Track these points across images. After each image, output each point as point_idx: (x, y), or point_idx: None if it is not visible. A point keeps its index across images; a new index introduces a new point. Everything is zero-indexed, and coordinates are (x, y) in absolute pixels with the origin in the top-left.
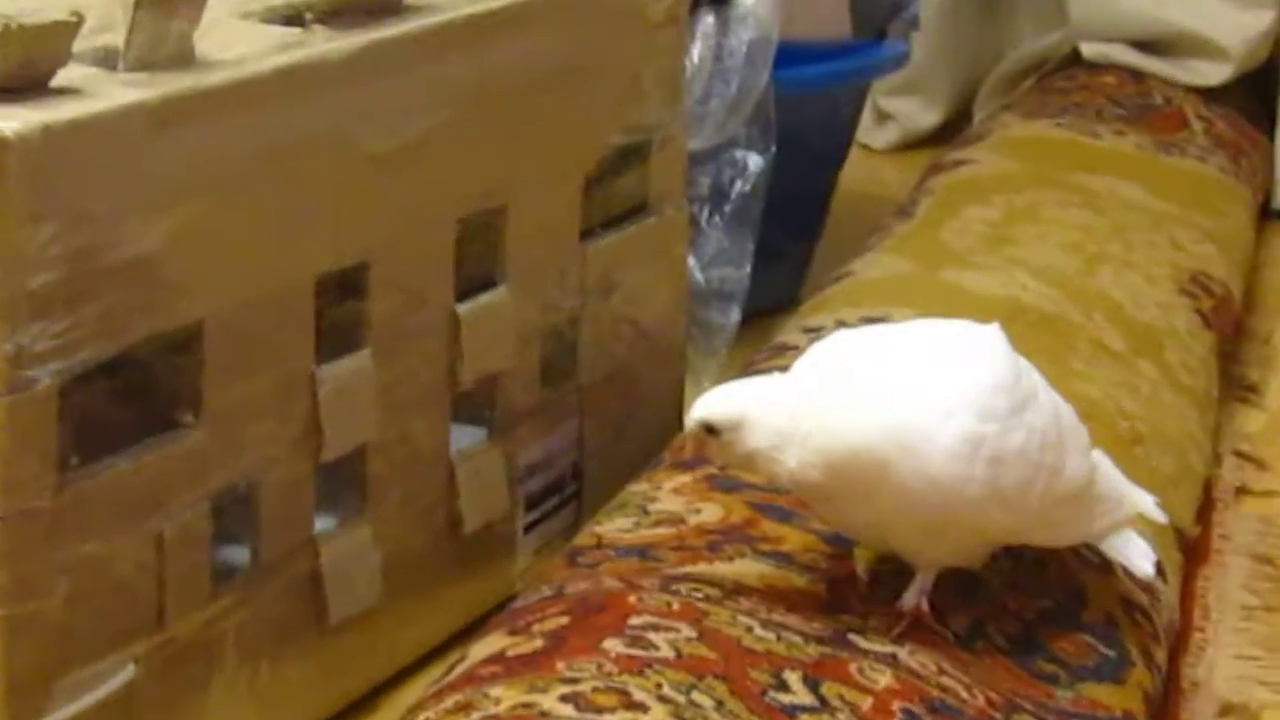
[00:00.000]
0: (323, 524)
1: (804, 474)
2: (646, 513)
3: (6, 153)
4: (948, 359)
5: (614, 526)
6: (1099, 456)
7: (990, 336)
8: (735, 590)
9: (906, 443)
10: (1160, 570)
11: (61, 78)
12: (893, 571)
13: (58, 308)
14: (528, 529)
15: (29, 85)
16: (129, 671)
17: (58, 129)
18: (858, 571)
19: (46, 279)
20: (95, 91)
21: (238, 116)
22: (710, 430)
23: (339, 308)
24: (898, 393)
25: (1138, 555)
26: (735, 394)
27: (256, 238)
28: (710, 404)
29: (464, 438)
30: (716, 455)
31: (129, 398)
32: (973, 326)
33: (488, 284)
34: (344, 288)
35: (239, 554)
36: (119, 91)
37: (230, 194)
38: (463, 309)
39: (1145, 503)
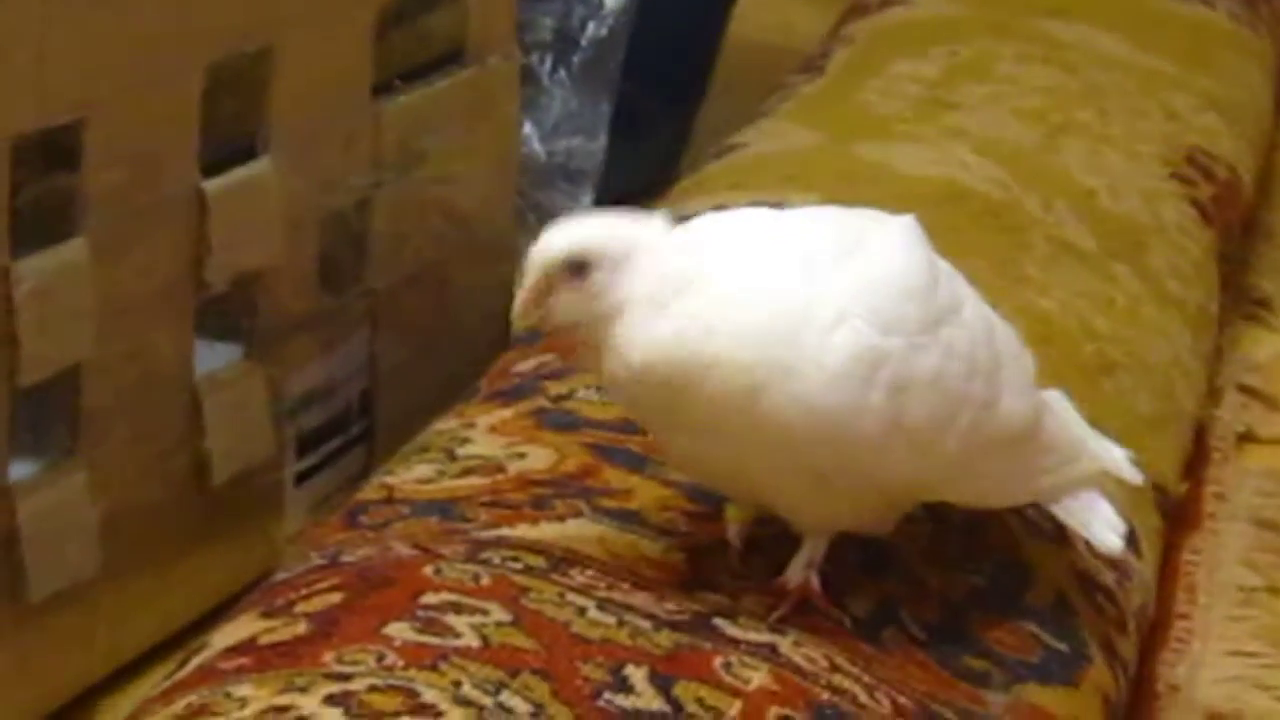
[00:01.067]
0: (20, 470)
1: (650, 364)
2: (454, 457)
3: None
4: (842, 252)
5: (410, 476)
6: (1053, 396)
7: (902, 228)
8: (565, 560)
9: (780, 355)
10: (1133, 542)
11: None
12: (775, 538)
13: None
14: (300, 479)
15: None
16: None
17: None
18: (729, 536)
19: None
20: None
21: None
22: (576, 268)
23: (41, 182)
24: (775, 290)
25: (1101, 523)
26: (614, 225)
27: None
28: (581, 233)
29: (213, 357)
30: (568, 309)
31: None
32: (880, 215)
33: (246, 153)
34: (49, 155)
35: None
36: None
37: None
38: (211, 185)
39: (1113, 456)
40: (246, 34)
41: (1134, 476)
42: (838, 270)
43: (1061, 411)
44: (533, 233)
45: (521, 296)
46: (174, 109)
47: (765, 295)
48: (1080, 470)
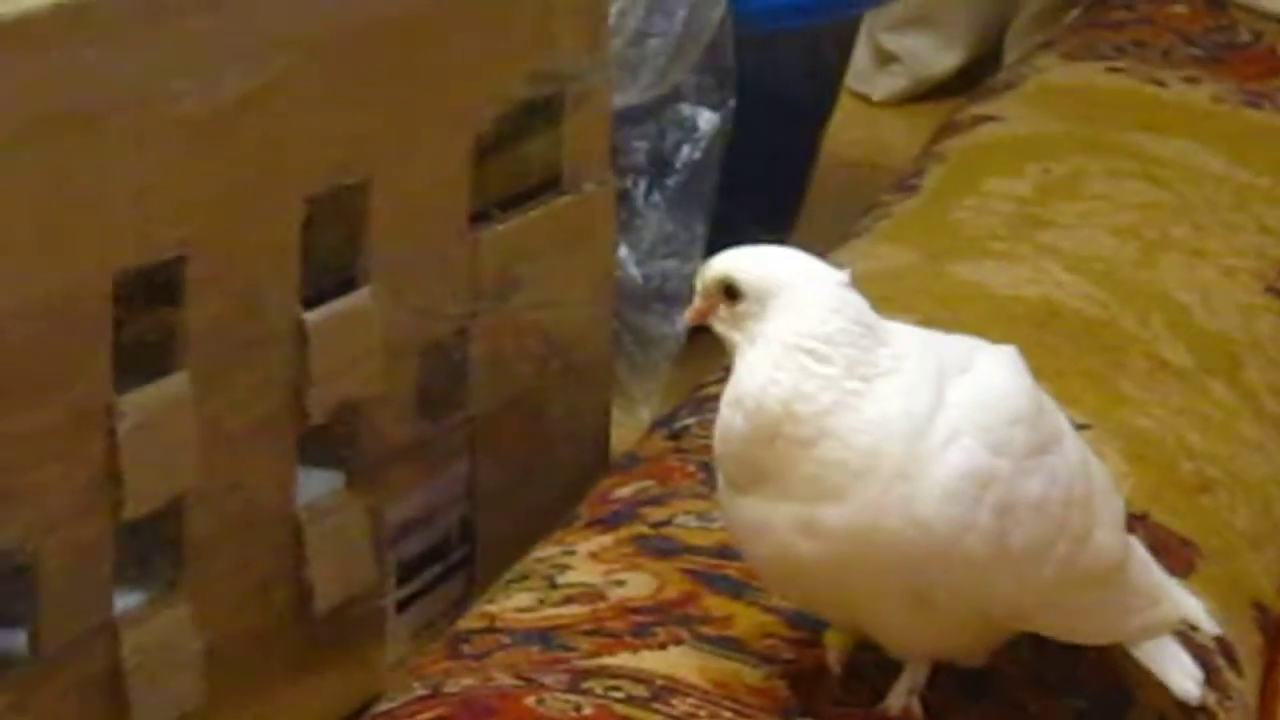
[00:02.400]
0: (126, 602)
1: (760, 405)
2: (554, 585)
3: None
4: (954, 373)
5: (511, 604)
6: (1134, 543)
7: (1008, 356)
8: (667, 688)
9: (891, 456)
10: (1232, 661)
11: None
12: (876, 664)
13: None
14: (401, 606)
15: None
16: None
17: None
18: (829, 663)
19: None
20: None
21: (6, 67)
22: (729, 291)
23: (145, 317)
24: (902, 391)
25: (1179, 670)
26: (778, 257)
27: (30, 227)
28: (740, 260)
29: (315, 486)
30: (720, 326)
31: None
32: (982, 343)
33: (345, 284)
34: (152, 290)
35: (14, 642)
36: None
37: None
38: (311, 317)
39: (1191, 606)
40: (344, 166)
41: (1211, 628)
42: (950, 389)
43: (1143, 557)
44: (629, 357)
45: (694, 304)
46: (274, 242)
47: (893, 391)
48: (1162, 614)
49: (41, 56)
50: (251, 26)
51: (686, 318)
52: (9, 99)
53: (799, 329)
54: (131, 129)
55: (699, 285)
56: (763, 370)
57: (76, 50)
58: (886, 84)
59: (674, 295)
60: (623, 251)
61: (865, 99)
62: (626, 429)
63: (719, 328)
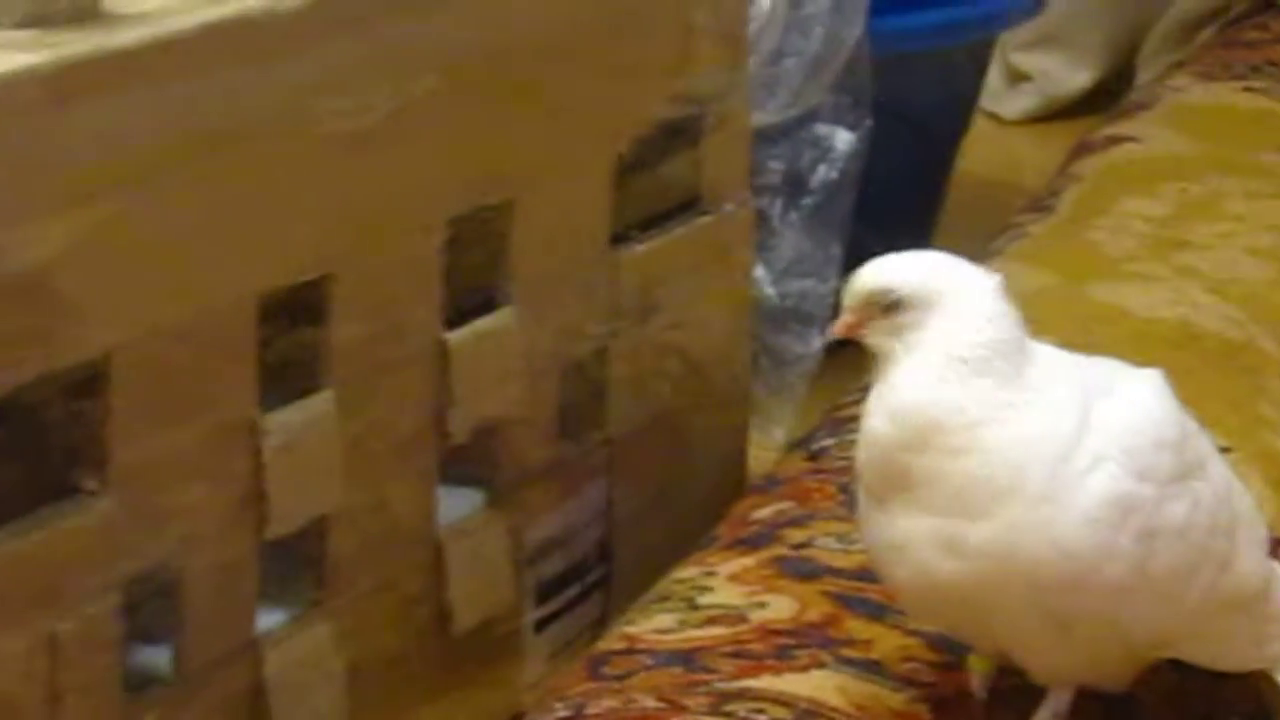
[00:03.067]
0: (268, 621)
1: (907, 412)
2: (695, 607)
3: None
4: (1098, 397)
5: (651, 625)
6: (1277, 569)
7: (1153, 379)
8: (810, 711)
9: (1034, 479)
10: None
11: None
12: (1018, 689)
13: None
14: (540, 626)
15: None
16: None
17: None
18: (972, 687)
19: None
20: None
21: (156, 88)
22: (887, 303)
23: (290, 337)
24: (1050, 413)
25: None
26: (936, 264)
27: (180, 246)
28: (900, 269)
29: (456, 506)
30: (875, 337)
31: (13, 456)
32: (1125, 367)
33: (487, 305)
34: (296, 311)
35: (158, 660)
36: (2, 56)
37: (146, 189)
38: (454, 337)
39: None
40: (487, 187)
41: None
42: (1095, 412)
43: None
44: (764, 377)
45: (841, 319)
46: (417, 262)
47: (1040, 410)
48: None
49: (191, 77)
50: (397, 48)
51: (834, 331)
52: (159, 119)
53: (959, 338)
54: (278, 149)
55: (848, 298)
56: (924, 379)
57: (225, 70)
58: (1018, 103)
59: (809, 315)
60: (758, 271)
61: (996, 118)
62: (762, 449)
63: (872, 339)
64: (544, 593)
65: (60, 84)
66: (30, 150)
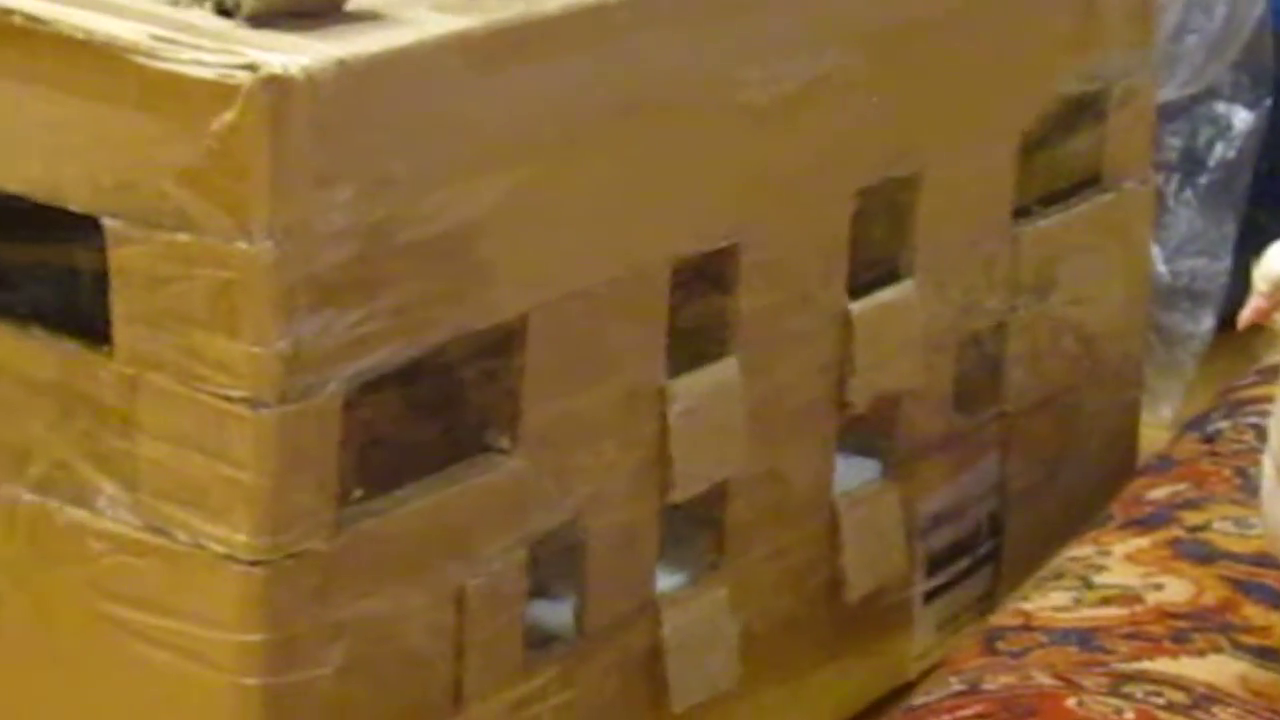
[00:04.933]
0: (666, 582)
1: None
2: (1090, 585)
3: (290, 95)
4: None
5: (1046, 603)
6: None
7: None
8: (1207, 696)
9: None
10: None
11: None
12: None
13: (348, 296)
14: (929, 597)
15: (319, 9)
16: None
17: (356, 66)
18: None
19: (335, 258)
20: (403, 18)
21: (580, 55)
22: None
23: (698, 303)
24: None
25: None
26: None
27: (598, 212)
28: None
29: (851, 475)
30: None
31: (428, 414)
32: None
33: (889, 276)
34: (706, 278)
35: (558, 617)
36: (432, 18)
37: (567, 155)
38: (857, 308)
39: None
40: (896, 159)
41: None
42: None
43: None
44: (1153, 354)
45: (1251, 304)
46: (825, 233)
47: None
48: None
49: (613, 44)
50: (814, 19)
51: (1245, 317)
52: (581, 85)
53: None
54: (697, 118)
55: (1260, 281)
56: None
57: (647, 39)
58: None
59: (1201, 293)
60: (1154, 249)
61: None
62: (1149, 427)
63: None
64: (934, 564)
65: (488, 49)
66: (457, 114)
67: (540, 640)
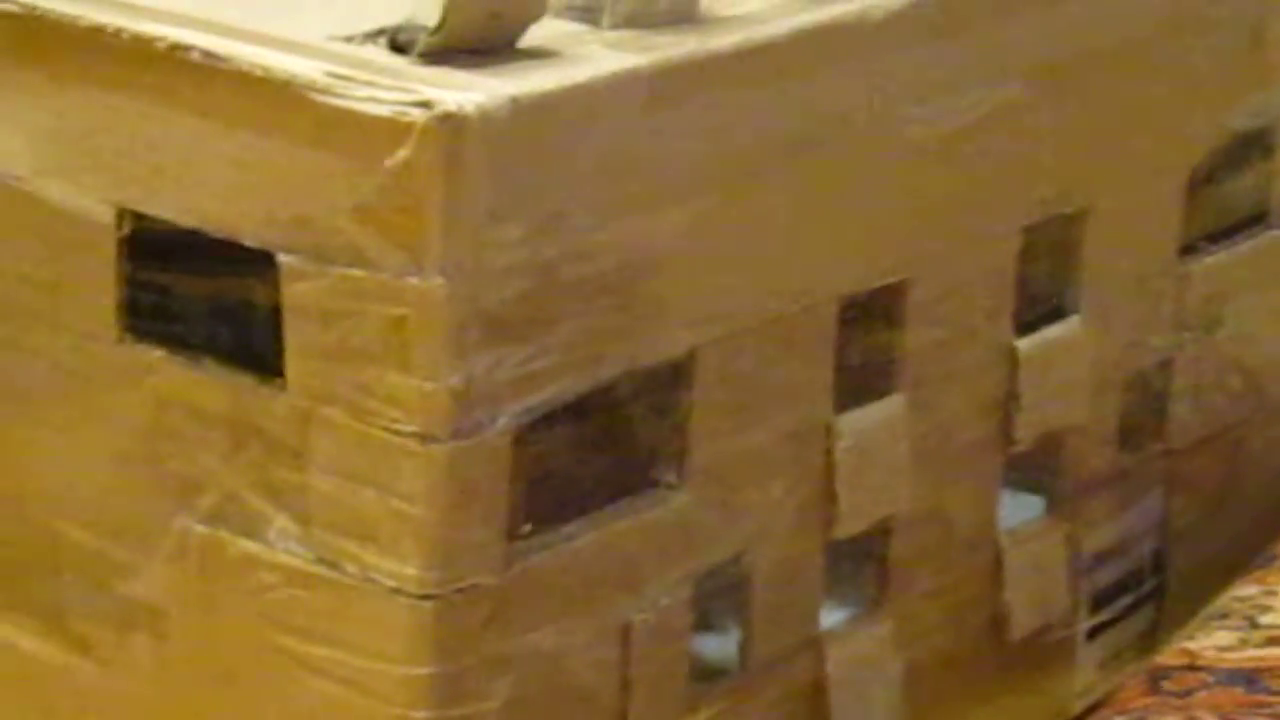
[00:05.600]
0: (830, 618)
1: None
2: (1255, 625)
3: (464, 133)
4: None
5: (1211, 642)
6: None
7: None
8: None
9: None
10: None
11: (533, 36)
12: None
13: (519, 332)
14: (1091, 634)
15: (491, 46)
16: None
17: (529, 103)
18: None
19: (507, 294)
20: (575, 54)
21: (750, 90)
22: None
23: (866, 339)
24: None
25: None
26: None
27: (765, 247)
28: None
29: (1015, 512)
30: None
31: (597, 449)
32: None
33: (1054, 313)
34: (873, 313)
35: (722, 652)
36: (605, 55)
37: (738, 190)
38: (1024, 345)
39: None
40: (1064, 196)
41: None
42: None
43: None
44: None
45: None
46: (991, 269)
47: None
48: None
49: (783, 80)
50: (985, 54)
51: None
52: (750, 121)
53: None
54: (862, 154)
55: None
56: None
57: (816, 74)
58: None
59: None
60: None
61: None
62: None
63: None
64: (1098, 601)
65: (659, 85)
66: (629, 151)
67: (705, 674)
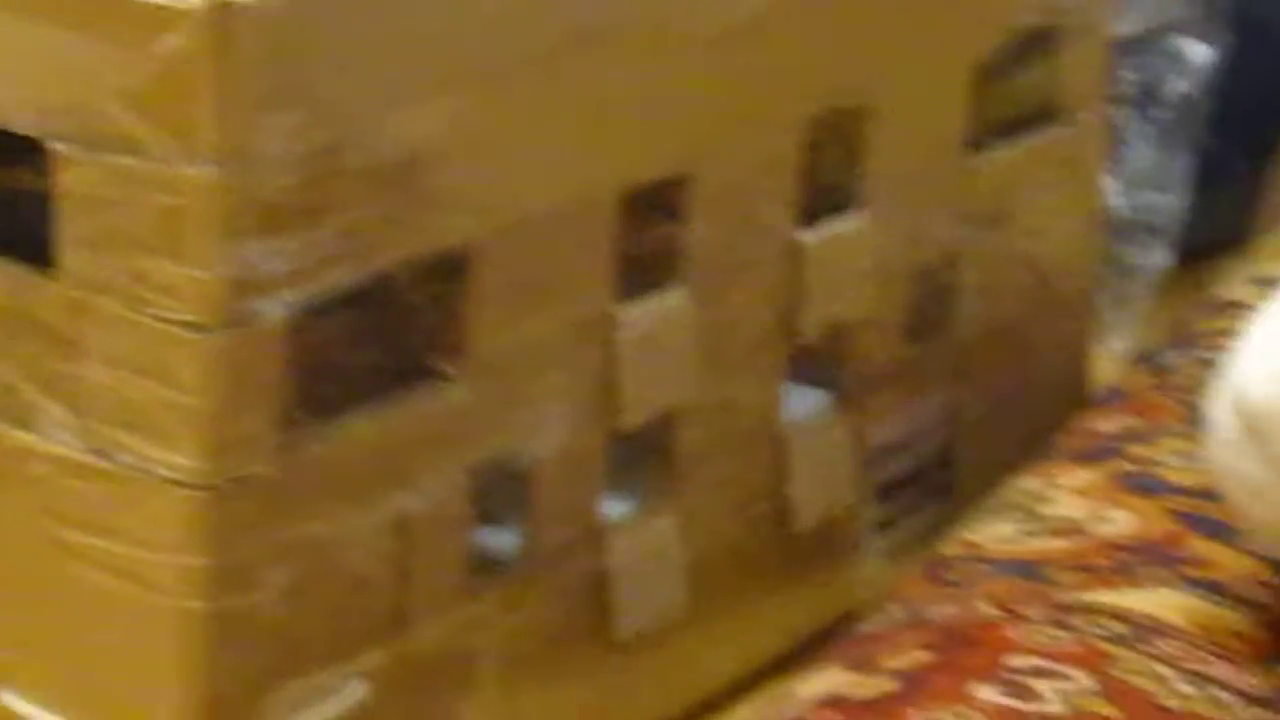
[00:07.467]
0: (614, 510)
1: None
2: (1037, 517)
3: (237, 19)
4: None
5: (992, 533)
6: None
7: None
8: (1149, 628)
9: None
10: None
11: None
12: None
13: (294, 221)
14: (881, 528)
15: None
16: (358, 688)
17: None
18: None
19: (282, 183)
20: None
21: None
22: None
23: (648, 232)
24: None
25: None
26: None
27: (546, 139)
28: None
29: (800, 404)
30: None
31: (373, 339)
32: None
33: (840, 206)
34: (655, 206)
35: (504, 544)
36: None
37: (517, 82)
38: (808, 237)
39: None
40: (845, 89)
41: None
42: None
43: None
44: (1107, 287)
45: None
46: (774, 162)
47: None
48: None
49: None
50: None
51: None
52: (534, 11)
53: None
54: (642, 46)
55: None
56: None
57: None
58: None
59: (1157, 228)
60: (1108, 182)
61: None
62: (1100, 359)
63: None
64: (885, 494)
65: None
66: (405, 39)
67: (486, 566)
